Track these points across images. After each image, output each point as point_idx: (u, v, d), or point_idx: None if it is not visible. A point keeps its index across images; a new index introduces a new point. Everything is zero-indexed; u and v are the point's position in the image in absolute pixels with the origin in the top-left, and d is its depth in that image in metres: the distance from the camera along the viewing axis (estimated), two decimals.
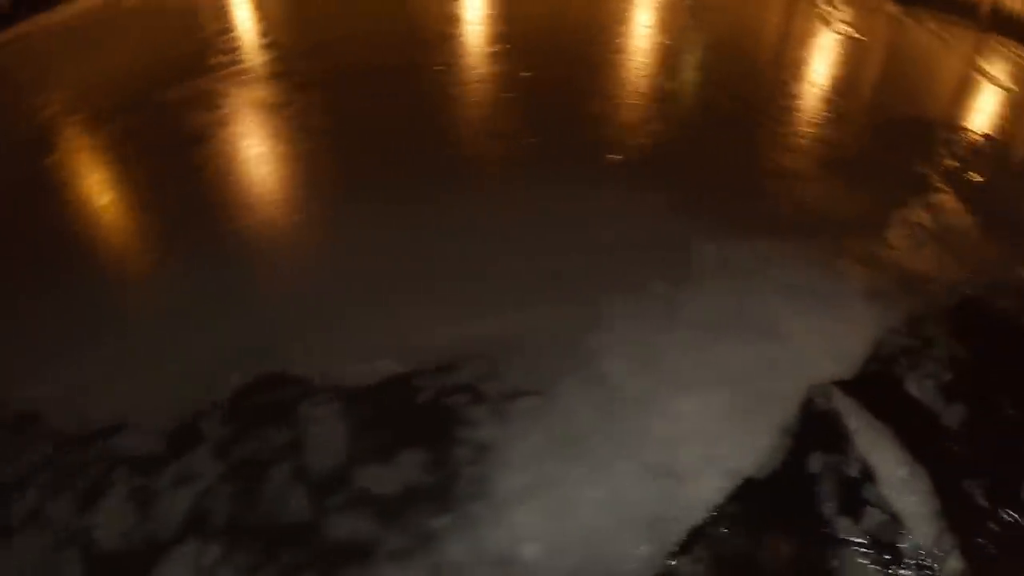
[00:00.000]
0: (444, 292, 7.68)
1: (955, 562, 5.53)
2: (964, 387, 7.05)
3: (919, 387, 7.08)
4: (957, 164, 10.95)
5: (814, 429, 6.47)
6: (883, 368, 7.17)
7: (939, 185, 10.18)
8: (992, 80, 14.00)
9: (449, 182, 9.30)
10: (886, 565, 5.48)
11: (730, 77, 12.89)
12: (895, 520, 5.74)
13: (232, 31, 13.92)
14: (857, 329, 7.37)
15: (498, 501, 5.65)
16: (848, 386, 6.86)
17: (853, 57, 14.02)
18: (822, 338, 7.19)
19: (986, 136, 12.12)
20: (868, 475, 6.10)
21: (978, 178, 10.70)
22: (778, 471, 6.12)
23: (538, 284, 7.71)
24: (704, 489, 5.88)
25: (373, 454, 6.03)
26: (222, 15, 14.70)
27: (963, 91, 13.73)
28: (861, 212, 9.20)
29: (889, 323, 7.61)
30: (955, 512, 5.81)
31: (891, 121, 11.80)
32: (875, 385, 6.99)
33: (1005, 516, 5.87)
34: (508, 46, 13.02)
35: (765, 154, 10.54)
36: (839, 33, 14.82)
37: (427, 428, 6.29)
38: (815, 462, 6.20)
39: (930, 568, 5.47)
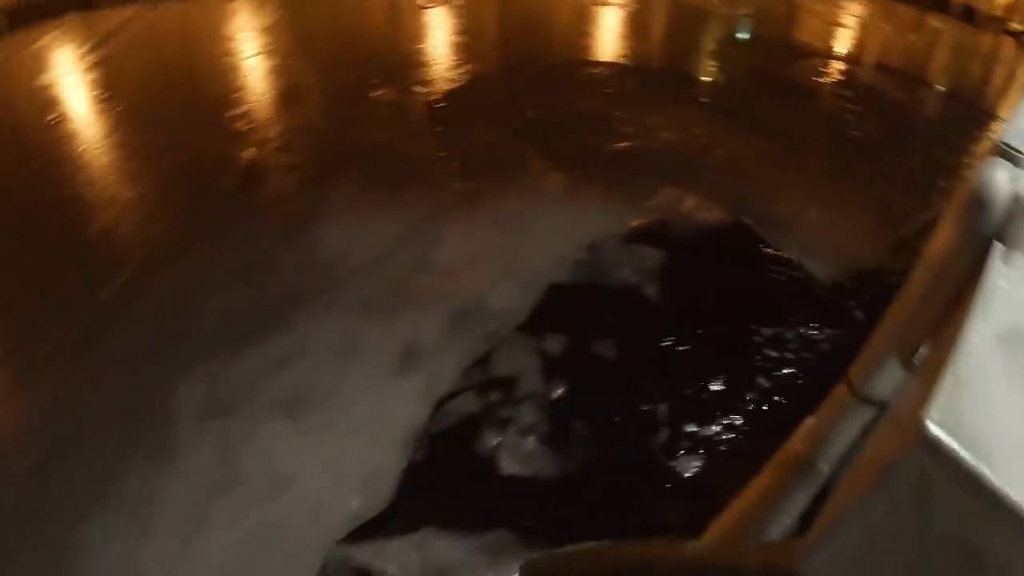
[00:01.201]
0: None
1: None
2: (593, 439, 4.63)
3: (510, 462, 4.69)
4: (571, 112, 8.94)
5: None
6: (453, 468, 4.65)
7: (539, 151, 7.99)
8: (606, 3, 12.51)
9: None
10: None
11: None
12: None
13: None
14: (397, 427, 4.77)
15: None
16: (386, 520, 4.30)
17: (445, 25, 11.89)
18: (345, 466, 4.51)
19: (606, 64, 10.39)
20: None
21: (597, 120, 8.71)
22: None
23: None
24: None
25: None
26: None
27: (579, 23, 12.05)
28: (414, 232, 6.50)
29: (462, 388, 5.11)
30: None
31: (480, 89, 9.35)
32: (438, 498, 4.47)
33: None
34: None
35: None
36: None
37: None
38: None
39: None
